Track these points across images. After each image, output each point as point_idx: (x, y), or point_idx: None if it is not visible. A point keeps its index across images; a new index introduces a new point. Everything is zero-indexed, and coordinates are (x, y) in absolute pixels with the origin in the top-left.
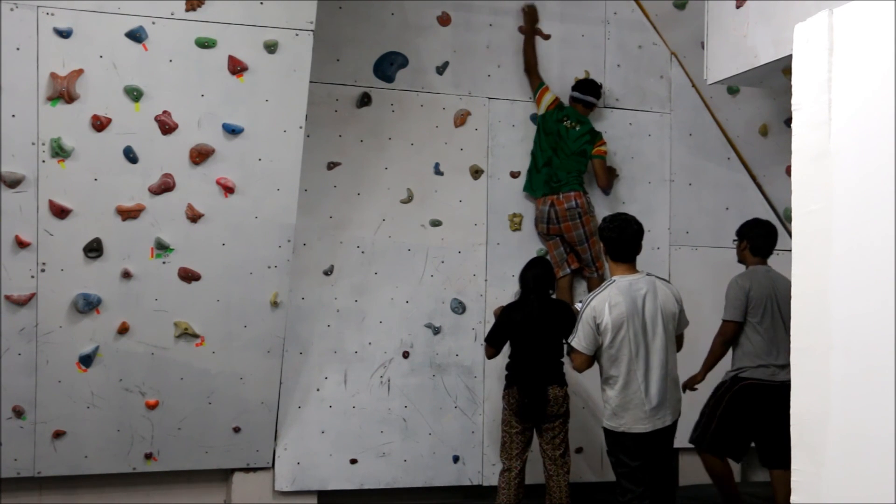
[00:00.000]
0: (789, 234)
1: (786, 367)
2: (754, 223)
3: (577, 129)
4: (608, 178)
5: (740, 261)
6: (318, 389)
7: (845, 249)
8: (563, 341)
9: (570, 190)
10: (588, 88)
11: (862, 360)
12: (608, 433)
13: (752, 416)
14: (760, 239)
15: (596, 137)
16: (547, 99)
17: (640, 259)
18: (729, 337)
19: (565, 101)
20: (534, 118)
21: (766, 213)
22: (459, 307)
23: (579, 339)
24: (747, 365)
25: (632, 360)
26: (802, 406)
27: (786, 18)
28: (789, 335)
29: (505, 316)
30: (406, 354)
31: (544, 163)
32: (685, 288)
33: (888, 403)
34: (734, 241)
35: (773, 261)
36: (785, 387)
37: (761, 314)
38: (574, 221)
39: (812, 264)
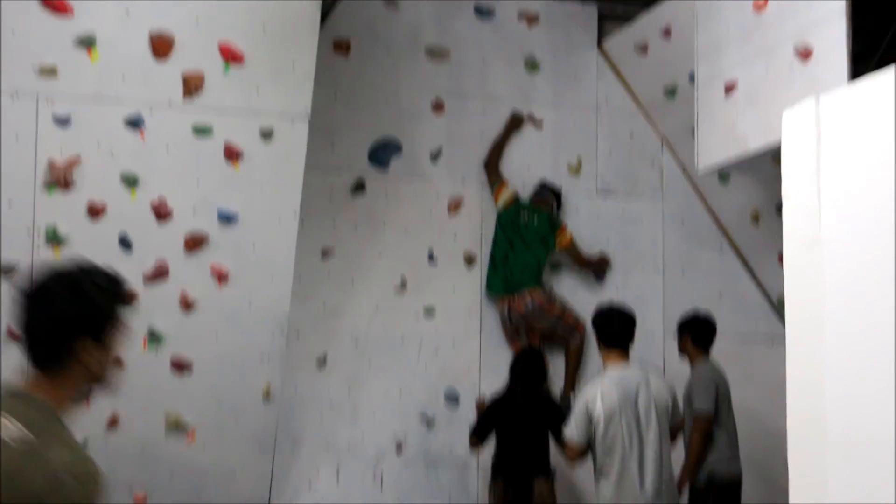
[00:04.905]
0: (783, 321)
1: (738, 457)
2: (694, 317)
3: (535, 219)
4: (588, 258)
5: (681, 351)
6: (309, 486)
7: (838, 337)
8: (558, 431)
9: (525, 288)
10: (545, 188)
11: (859, 452)
12: None
13: None
14: (700, 332)
15: (556, 225)
16: (504, 195)
17: (634, 348)
18: (708, 432)
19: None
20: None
21: (759, 301)
22: (453, 399)
23: (572, 430)
24: (717, 459)
25: (626, 451)
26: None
27: (774, 105)
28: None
29: (490, 408)
30: (399, 448)
31: (501, 258)
32: (681, 377)
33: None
34: (675, 334)
35: (769, 350)
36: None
37: (725, 408)
38: (536, 315)
39: (805, 352)
